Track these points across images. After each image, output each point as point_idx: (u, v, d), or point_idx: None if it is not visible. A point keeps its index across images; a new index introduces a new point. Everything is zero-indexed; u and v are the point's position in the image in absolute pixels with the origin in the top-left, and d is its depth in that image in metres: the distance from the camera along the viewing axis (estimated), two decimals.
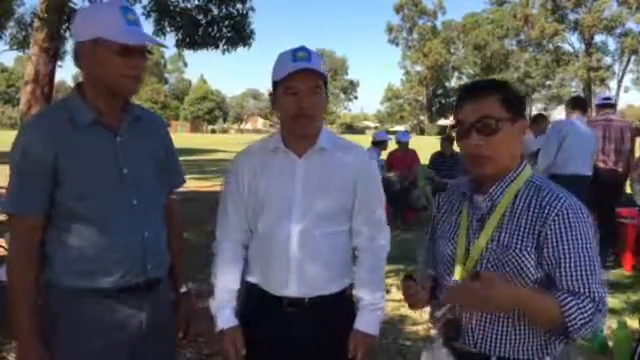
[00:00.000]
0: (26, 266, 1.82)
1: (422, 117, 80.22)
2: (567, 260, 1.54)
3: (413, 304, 1.77)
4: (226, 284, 2.10)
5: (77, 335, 1.84)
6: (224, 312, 2.08)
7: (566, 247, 1.55)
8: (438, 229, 1.84)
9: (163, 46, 2.10)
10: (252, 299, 2.10)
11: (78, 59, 1.83)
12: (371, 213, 2.08)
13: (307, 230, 1.98)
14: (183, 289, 2.19)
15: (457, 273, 1.70)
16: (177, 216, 2.22)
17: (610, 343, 4.08)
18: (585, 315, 1.51)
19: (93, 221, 1.81)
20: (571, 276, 1.54)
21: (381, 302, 2.10)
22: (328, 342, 2.02)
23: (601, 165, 6.48)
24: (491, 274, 1.54)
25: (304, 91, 1.92)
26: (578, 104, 6.41)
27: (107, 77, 1.79)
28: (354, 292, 2.13)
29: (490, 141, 1.60)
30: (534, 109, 62.65)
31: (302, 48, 1.97)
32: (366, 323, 2.06)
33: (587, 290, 1.53)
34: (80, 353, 1.84)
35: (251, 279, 2.10)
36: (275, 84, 1.99)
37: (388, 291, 5.50)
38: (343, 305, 2.10)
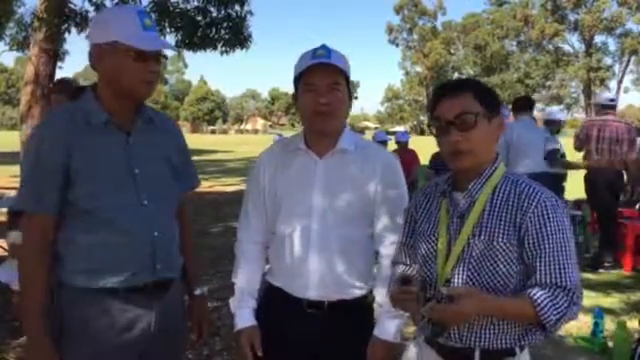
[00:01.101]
0: (38, 264, 1.82)
1: (422, 117, 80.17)
2: (546, 252, 1.58)
3: (408, 309, 1.76)
4: (246, 284, 2.09)
5: (86, 335, 1.84)
6: (243, 312, 2.07)
7: (546, 239, 1.59)
8: (417, 227, 1.84)
9: (177, 51, 2.08)
10: (272, 300, 2.08)
11: (93, 61, 1.85)
12: (393, 218, 2.02)
13: (326, 232, 1.96)
14: (197, 292, 2.18)
15: (439, 270, 1.72)
16: (187, 218, 2.20)
17: (610, 344, 4.08)
18: (559, 310, 1.55)
19: (103, 220, 1.82)
20: (548, 268, 1.58)
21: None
22: (348, 346, 2.00)
23: (595, 165, 6.47)
24: (460, 291, 1.59)
25: (322, 87, 1.90)
26: (519, 105, 6.66)
27: (123, 81, 1.81)
28: (375, 297, 2.08)
29: (468, 136, 1.64)
30: (534, 109, 62.52)
31: (322, 46, 1.95)
32: (385, 330, 2.01)
33: (562, 281, 1.57)
34: (89, 353, 1.84)
35: (271, 280, 2.09)
36: (296, 83, 1.98)
37: None
38: (364, 310, 2.05)
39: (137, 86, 1.82)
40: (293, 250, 1.99)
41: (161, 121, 2.02)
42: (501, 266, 1.62)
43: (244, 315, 2.07)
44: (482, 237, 1.64)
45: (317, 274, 1.96)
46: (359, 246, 2.01)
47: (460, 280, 1.67)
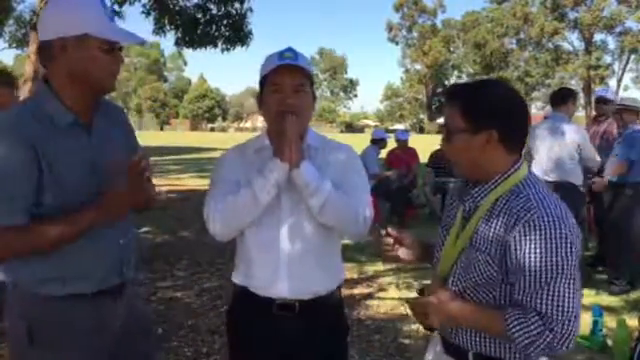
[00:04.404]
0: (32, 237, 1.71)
1: (422, 116, 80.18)
2: (523, 273, 1.52)
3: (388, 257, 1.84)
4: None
5: (56, 341, 1.79)
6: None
7: (526, 260, 1.51)
8: (443, 221, 1.86)
9: (142, 43, 1.94)
10: (242, 301, 2.07)
11: (53, 55, 1.73)
12: (356, 194, 1.99)
13: (296, 228, 1.96)
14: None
15: (440, 265, 1.75)
16: None
17: (609, 342, 4.08)
18: (530, 334, 1.50)
19: None
20: (526, 290, 1.52)
21: (319, 187, 1.91)
22: (317, 344, 2.01)
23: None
24: (437, 290, 1.64)
25: (289, 89, 1.92)
26: (551, 100, 5.83)
27: (95, 74, 1.75)
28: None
29: (449, 147, 1.68)
30: (533, 107, 62.58)
31: (289, 49, 1.97)
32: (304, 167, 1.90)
33: (537, 306, 1.50)
34: (60, 359, 1.81)
35: (239, 280, 2.07)
36: (261, 84, 1.98)
37: (386, 289, 5.50)
38: (333, 306, 2.07)
39: (107, 79, 1.79)
40: (262, 249, 1.98)
41: (110, 109, 1.97)
42: (482, 277, 1.60)
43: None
44: (473, 245, 1.63)
45: (287, 271, 1.96)
46: (328, 240, 2.02)
47: (452, 282, 1.69)
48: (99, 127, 1.85)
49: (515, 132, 1.64)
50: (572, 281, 1.51)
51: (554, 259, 1.49)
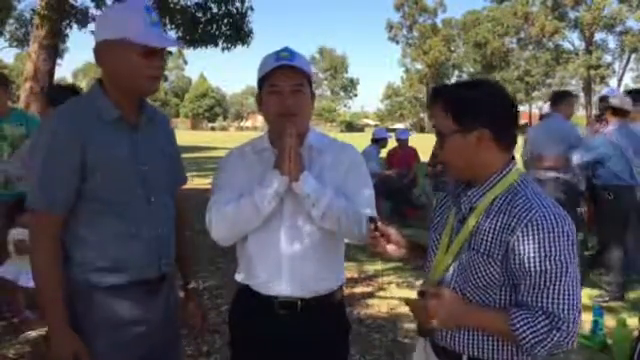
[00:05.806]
0: (56, 259, 1.83)
1: (422, 115, 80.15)
2: (530, 274, 1.51)
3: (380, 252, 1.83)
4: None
5: (97, 330, 1.86)
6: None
7: (530, 260, 1.50)
8: (433, 224, 1.85)
9: (182, 47, 2.08)
10: (244, 300, 2.07)
11: (99, 57, 1.86)
12: (359, 197, 2.01)
13: (298, 229, 1.96)
14: (191, 285, 2.26)
15: (434, 267, 1.73)
16: (183, 212, 2.24)
17: (610, 341, 4.08)
18: (537, 333, 1.49)
19: (114, 218, 1.85)
20: (531, 290, 1.52)
21: (319, 198, 1.92)
22: (318, 342, 2.01)
23: None
24: (439, 291, 1.60)
25: (287, 90, 1.92)
26: (550, 100, 6.12)
27: (130, 77, 1.82)
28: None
29: (443, 150, 1.66)
30: (534, 107, 62.58)
31: (285, 49, 1.97)
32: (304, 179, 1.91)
33: (544, 306, 1.50)
34: (100, 349, 1.86)
35: (241, 279, 2.08)
36: (260, 85, 1.99)
37: (386, 289, 5.50)
38: (334, 305, 2.07)
39: (144, 82, 1.84)
40: (264, 248, 1.98)
41: (157, 116, 2.06)
42: (482, 279, 1.59)
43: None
44: (472, 245, 1.61)
45: (289, 270, 1.96)
46: (331, 239, 2.02)
47: (450, 283, 1.67)
48: (144, 128, 1.94)
49: (506, 130, 1.62)
50: (575, 278, 1.52)
51: (559, 257, 1.49)
